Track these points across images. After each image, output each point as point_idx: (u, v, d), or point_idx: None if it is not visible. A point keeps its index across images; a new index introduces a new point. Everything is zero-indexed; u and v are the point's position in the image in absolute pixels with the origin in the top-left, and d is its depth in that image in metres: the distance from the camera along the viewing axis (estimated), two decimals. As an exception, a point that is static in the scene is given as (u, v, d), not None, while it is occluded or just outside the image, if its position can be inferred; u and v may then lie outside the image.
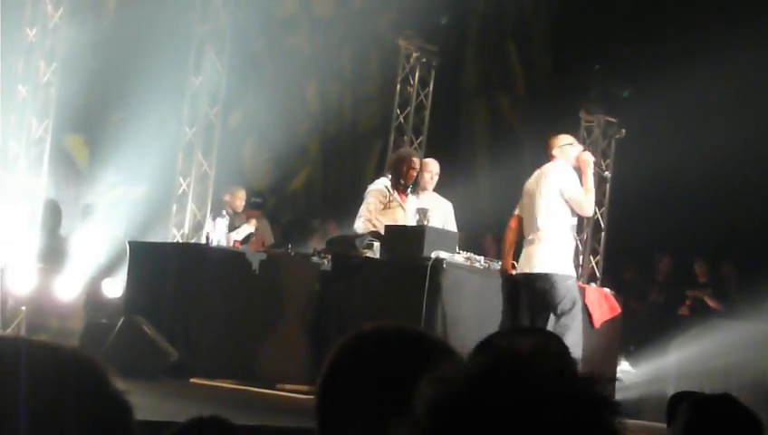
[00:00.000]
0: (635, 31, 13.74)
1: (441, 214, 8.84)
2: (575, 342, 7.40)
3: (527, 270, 7.86)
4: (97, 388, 1.40)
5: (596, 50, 14.21)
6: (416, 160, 8.93)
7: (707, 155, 11.95)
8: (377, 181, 8.91)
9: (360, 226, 8.59)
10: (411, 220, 8.52)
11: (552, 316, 7.81)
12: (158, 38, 10.91)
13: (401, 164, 8.80)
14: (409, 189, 8.74)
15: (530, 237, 7.90)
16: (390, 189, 8.68)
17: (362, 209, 8.67)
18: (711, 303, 11.53)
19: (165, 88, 11.09)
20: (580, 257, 13.55)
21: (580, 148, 8.55)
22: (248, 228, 10.56)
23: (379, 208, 8.60)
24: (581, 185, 7.92)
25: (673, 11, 13.28)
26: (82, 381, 1.39)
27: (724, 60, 11.65)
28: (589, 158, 8.19)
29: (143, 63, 10.99)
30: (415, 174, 8.78)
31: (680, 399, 3.08)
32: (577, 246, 9.61)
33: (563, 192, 7.85)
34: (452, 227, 8.84)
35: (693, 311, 11.58)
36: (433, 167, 9.09)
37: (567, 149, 8.08)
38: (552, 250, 7.80)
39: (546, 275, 7.77)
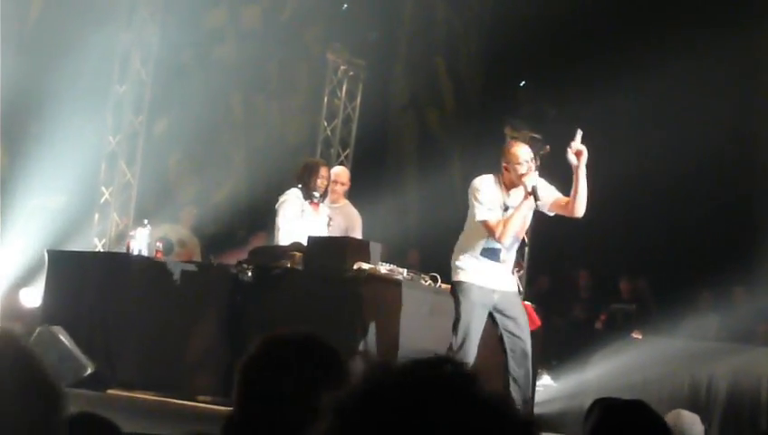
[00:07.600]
0: (563, 49, 13.89)
1: (342, 228, 8.77)
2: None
3: None
4: (30, 370, 1.42)
5: (524, 66, 14.34)
6: (324, 169, 8.80)
7: (628, 172, 12.12)
8: (287, 193, 8.65)
9: (281, 238, 8.51)
10: (325, 230, 8.49)
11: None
12: (81, 46, 10.77)
13: (309, 174, 8.61)
14: (318, 198, 8.60)
15: None
16: (303, 199, 8.57)
17: (279, 221, 8.56)
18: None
19: (88, 96, 10.95)
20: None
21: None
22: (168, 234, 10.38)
23: (296, 217, 8.51)
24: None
25: (599, 31, 13.45)
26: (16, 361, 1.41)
27: (647, 80, 11.83)
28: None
29: (65, 71, 10.84)
30: (325, 183, 8.66)
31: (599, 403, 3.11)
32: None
33: None
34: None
35: (610, 326, 11.70)
36: (339, 177, 8.96)
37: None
38: None
39: None
